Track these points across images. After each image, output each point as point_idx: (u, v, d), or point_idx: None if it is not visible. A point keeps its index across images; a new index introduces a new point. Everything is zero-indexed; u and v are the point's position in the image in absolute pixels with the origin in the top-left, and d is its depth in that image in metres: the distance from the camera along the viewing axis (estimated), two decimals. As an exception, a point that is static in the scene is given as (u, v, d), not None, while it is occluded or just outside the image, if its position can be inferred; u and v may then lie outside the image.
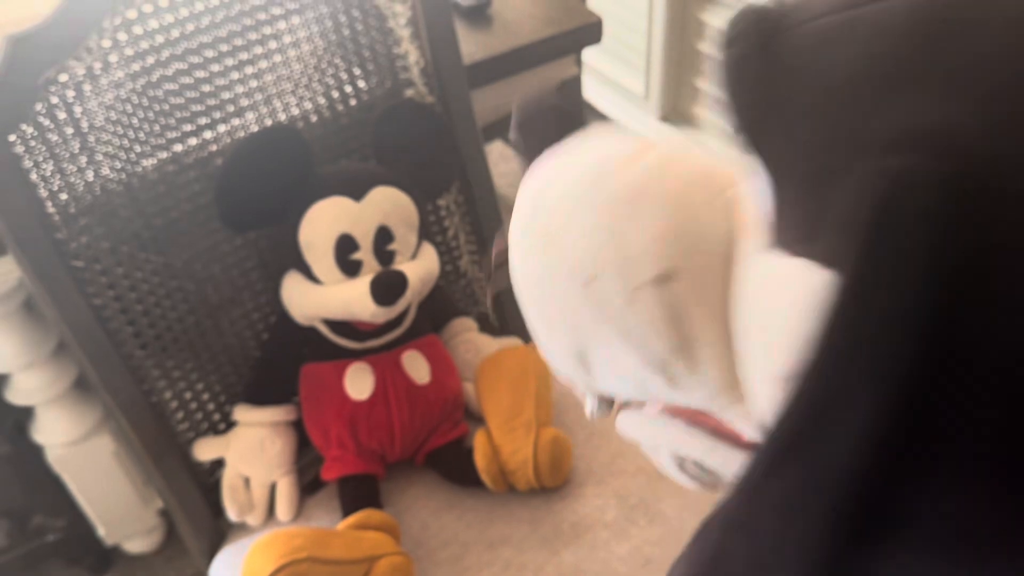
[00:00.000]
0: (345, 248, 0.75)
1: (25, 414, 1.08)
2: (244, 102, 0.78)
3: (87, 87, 0.69)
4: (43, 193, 0.69)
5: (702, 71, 1.69)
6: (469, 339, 0.91)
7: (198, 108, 0.76)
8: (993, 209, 0.24)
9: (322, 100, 0.82)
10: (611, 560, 0.76)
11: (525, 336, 0.98)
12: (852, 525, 0.27)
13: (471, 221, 0.93)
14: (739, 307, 0.32)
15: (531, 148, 0.39)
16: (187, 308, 0.79)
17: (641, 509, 0.80)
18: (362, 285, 0.75)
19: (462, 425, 0.86)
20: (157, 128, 0.74)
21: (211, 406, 0.84)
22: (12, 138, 0.66)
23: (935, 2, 0.26)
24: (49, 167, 0.69)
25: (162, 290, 0.77)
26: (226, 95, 0.77)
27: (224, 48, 0.75)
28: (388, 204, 0.76)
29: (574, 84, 1.30)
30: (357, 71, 0.83)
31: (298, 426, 0.85)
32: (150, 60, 0.72)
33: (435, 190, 0.86)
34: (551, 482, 0.80)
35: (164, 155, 0.75)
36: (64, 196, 0.70)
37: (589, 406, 0.40)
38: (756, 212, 0.32)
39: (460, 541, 0.79)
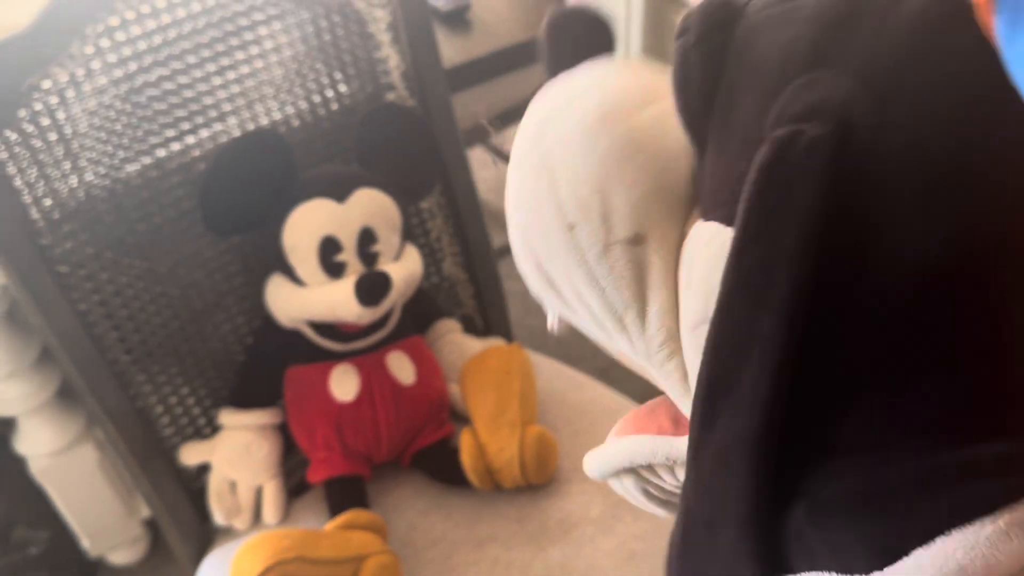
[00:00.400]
0: (329, 250, 0.76)
1: (7, 425, 1.07)
2: (226, 107, 0.78)
3: (70, 93, 0.69)
4: (27, 199, 0.69)
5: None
6: (453, 340, 0.92)
7: (181, 114, 0.76)
8: (867, 169, 0.28)
9: (304, 105, 0.83)
10: (597, 556, 0.77)
11: (509, 337, 0.99)
12: (779, 459, 0.30)
13: (453, 224, 0.94)
14: (681, 270, 0.35)
15: (559, 60, 0.40)
16: (171, 313, 0.80)
17: (625, 505, 0.80)
18: (346, 286, 0.75)
19: (448, 425, 0.86)
20: (140, 134, 0.74)
21: (196, 411, 0.84)
22: (-5, 144, 0.66)
23: None
24: (33, 173, 0.69)
25: (146, 295, 0.78)
26: (208, 100, 0.77)
27: (206, 54, 0.76)
28: (371, 206, 0.77)
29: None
30: (338, 75, 0.83)
31: (284, 429, 0.85)
32: (133, 66, 0.72)
33: (417, 192, 0.87)
34: (537, 480, 0.81)
35: (147, 160, 0.75)
36: (48, 202, 0.70)
37: (551, 319, 0.43)
38: None
39: (448, 540, 0.80)
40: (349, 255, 0.76)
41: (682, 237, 0.36)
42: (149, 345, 0.79)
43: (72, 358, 0.73)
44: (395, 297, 0.78)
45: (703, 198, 0.34)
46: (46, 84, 0.68)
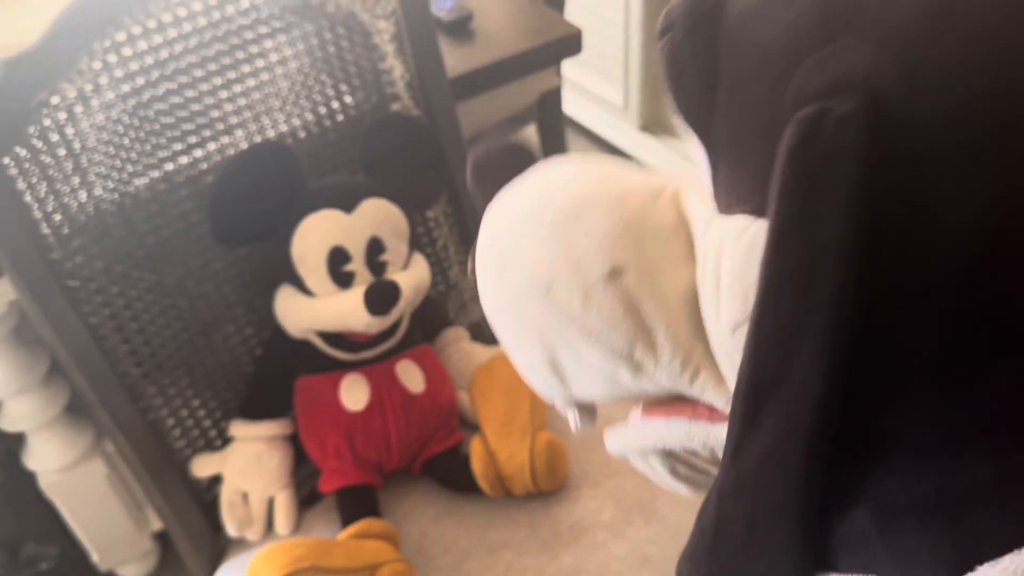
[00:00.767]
0: (337, 260, 0.76)
1: (16, 441, 1.08)
2: (233, 120, 0.79)
3: (79, 109, 0.70)
4: (37, 214, 0.69)
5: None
6: (461, 348, 0.92)
7: (188, 127, 0.77)
8: (904, 142, 0.26)
9: (310, 116, 0.83)
10: (610, 560, 0.77)
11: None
12: (830, 458, 0.28)
13: (460, 232, 0.94)
14: (699, 281, 0.34)
15: (487, 193, 0.42)
16: (181, 325, 0.80)
17: (637, 509, 0.81)
18: (355, 296, 0.76)
19: (457, 433, 0.87)
20: (148, 148, 0.75)
21: (207, 422, 0.84)
22: (6, 161, 0.67)
23: None
24: (43, 188, 0.69)
25: (156, 308, 0.78)
26: (215, 114, 0.78)
27: (212, 67, 0.76)
28: (379, 215, 0.77)
29: (555, 95, 1.32)
30: (343, 87, 0.84)
31: (294, 439, 0.85)
32: (140, 81, 0.73)
33: (424, 201, 0.88)
34: (548, 486, 0.81)
35: (156, 174, 0.76)
36: (58, 217, 0.71)
37: (572, 420, 0.42)
38: (700, 196, 0.35)
39: (460, 547, 0.80)
40: (358, 265, 0.77)
41: (673, 256, 0.34)
42: (159, 357, 0.79)
43: (83, 372, 0.74)
44: (404, 306, 0.79)
45: (720, 195, 0.33)
46: (55, 100, 0.68)
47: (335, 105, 0.84)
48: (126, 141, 0.73)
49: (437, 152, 0.87)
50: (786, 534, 0.30)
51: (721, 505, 0.32)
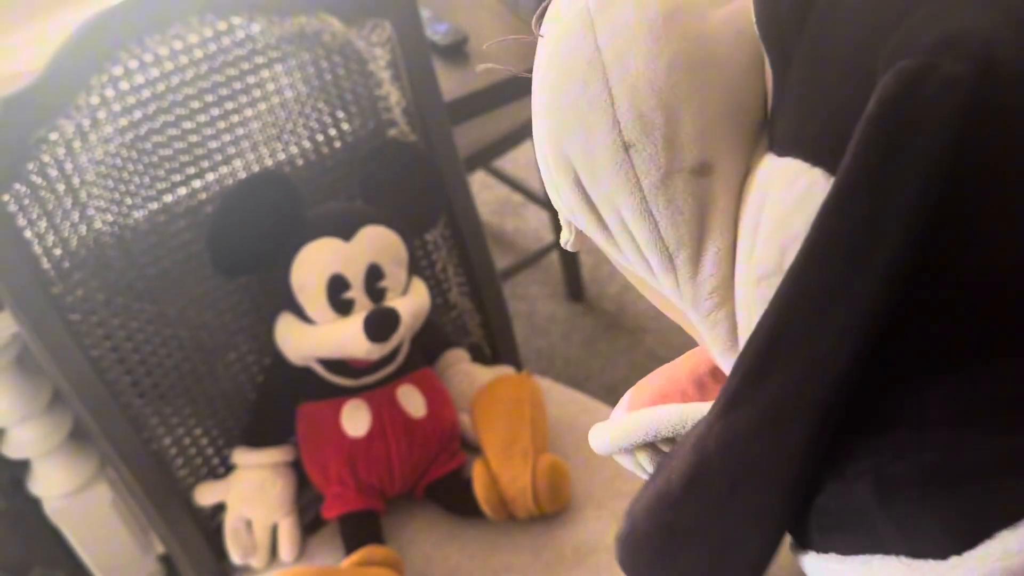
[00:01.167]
0: (337, 288, 0.77)
1: (21, 468, 1.08)
2: (231, 150, 0.79)
3: (77, 144, 0.70)
4: (38, 249, 0.70)
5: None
6: (462, 370, 0.92)
7: (186, 158, 0.77)
8: (1006, 118, 0.24)
9: (307, 144, 0.84)
10: (614, 582, 0.77)
11: (517, 364, 1.00)
12: (832, 429, 0.27)
13: (459, 254, 0.94)
14: (740, 220, 0.31)
15: None
16: (183, 355, 0.80)
17: (640, 530, 0.81)
18: (355, 323, 0.76)
19: (460, 456, 0.87)
20: (147, 180, 0.75)
21: (210, 451, 0.85)
22: (6, 197, 0.67)
23: None
24: (43, 224, 0.70)
25: (158, 338, 0.78)
26: (213, 144, 0.78)
27: (209, 99, 0.77)
28: (377, 242, 0.78)
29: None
30: (340, 114, 0.84)
31: (297, 466, 0.85)
32: (138, 114, 0.73)
33: (422, 226, 0.88)
34: (551, 508, 0.81)
35: (155, 206, 0.76)
36: (58, 251, 0.71)
37: (566, 235, 0.38)
38: None
39: (464, 572, 0.80)
40: (357, 292, 0.77)
41: (748, 171, 0.31)
42: (161, 387, 0.79)
43: (85, 404, 0.74)
44: (403, 332, 0.79)
45: (780, 128, 0.30)
46: (53, 136, 0.69)
47: (332, 132, 0.84)
48: (125, 174, 0.74)
49: (434, 176, 0.87)
50: (770, 501, 0.29)
51: (700, 460, 0.30)
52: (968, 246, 0.25)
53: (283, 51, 0.79)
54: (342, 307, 0.77)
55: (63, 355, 0.72)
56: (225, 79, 0.77)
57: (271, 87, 0.80)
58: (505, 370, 0.94)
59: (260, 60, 0.78)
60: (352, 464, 0.81)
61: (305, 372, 0.82)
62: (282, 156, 0.83)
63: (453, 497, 0.84)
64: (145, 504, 0.80)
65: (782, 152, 0.29)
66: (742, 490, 0.29)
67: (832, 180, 0.26)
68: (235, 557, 0.82)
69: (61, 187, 0.70)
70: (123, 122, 0.72)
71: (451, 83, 0.98)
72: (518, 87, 0.99)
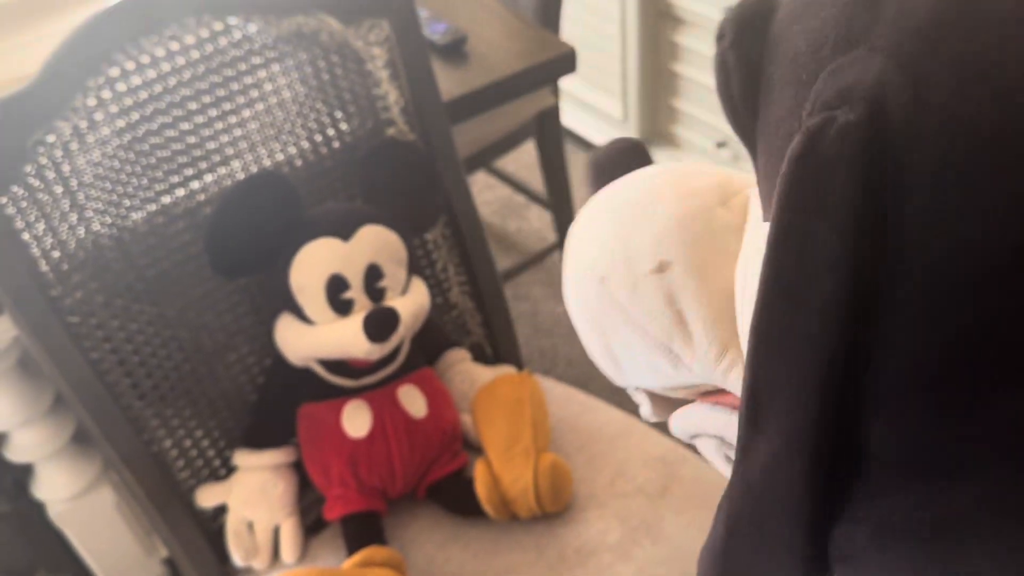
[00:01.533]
0: (336, 288, 0.76)
1: (24, 471, 1.08)
2: (229, 151, 0.79)
3: (74, 146, 0.70)
4: (36, 252, 0.70)
5: (678, 91, 1.71)
6: (463, 369, 0.92)
7: (184, 159, 0.77)
8: (904, 152, 0.26)
9: (306, 144, 0.83)
10: (617, 582, 0.77)
11: (518, 363, 0.99)
12: (830, 470, 0.29)
13: (459, 253, 0.94)
14: (736, 282, 0.35)
15: (597, 188, 0.44)
16: (183, 356, 0.80)
17: (643, 530, 0.80)
18: (355, 323, 0.76)
19: (461, 456, 0.87)
20: (145, 181, 0.75)
21: (211, 452, 0.85)
22: (3, 200, 0.67)
23: None
24: (41, 226, 0.70)
25: (157, 340, 0.78)
26: (211, 145, 0.78)
27: (207, 99, 0.77)
28: (376, 242, 0.78)
29: (552, 114, 1.32)
30: (339, 114, 0.84)
31: (298, 467, 0.85)
32: (135, 116, 0.73)
33: (422, 225, 0.88)
34: (553, 508, 0.81)
35: (153, 207, 0.76)
36: (57, 254, 0.71)
37: (643, 407, 0.43)
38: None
39: (467, 572, 0.80)
40: (356, 292, 0.77)
41: (725, 257, 0.36)
42: (162, 389, 0.79)
43: (86, 407, 0.74)
44: (403, 332, 0.79)
45: (762, 200, 0.33)
46: (51, 138, 0.69)
47: (330, 132, 0.84)
48: (122, 176, 0.74)
49: (433, 176, 0.87)
50: (794, 539, 0.30)
51: (731, 505, 0.33)
52: (899, 278, 0.26)
53: (280, 51, 0.79)
54: (341, 307, 0.77)
55: (63, 358, 0.72)
56: (222, 80, 0.77)
57: (269, 87, 0.79)
58: (506, 370, 0.94)
59: (257, 60, 0.78)
60: (353, 465, 0.81)
61: (305, 373, 0.82)
62: (280, 156, 0.82)
63: (455, 497, 0.84)
64: (147, 506, 0.80)
65: (766, 218, 0.32)
66: (768, 532, 0.31)
67: None
68: (237, 559, 0.82)
69: (59, 190, 0.70)
70: (120, 124, 0.72)
71: (450, 83, 0.98)
72: (517, 86, 0.99)
